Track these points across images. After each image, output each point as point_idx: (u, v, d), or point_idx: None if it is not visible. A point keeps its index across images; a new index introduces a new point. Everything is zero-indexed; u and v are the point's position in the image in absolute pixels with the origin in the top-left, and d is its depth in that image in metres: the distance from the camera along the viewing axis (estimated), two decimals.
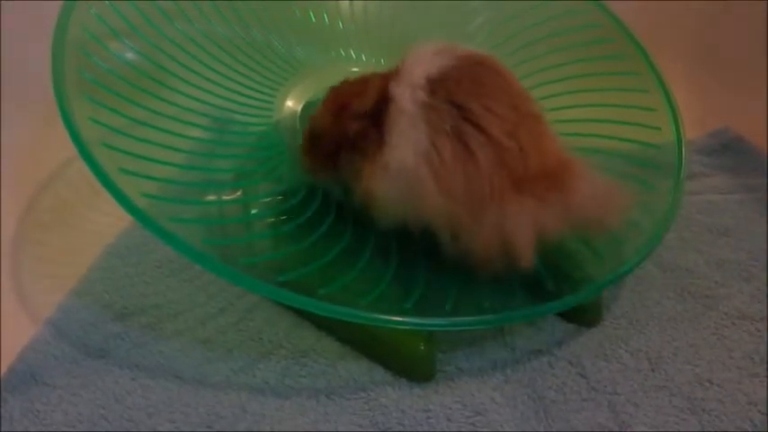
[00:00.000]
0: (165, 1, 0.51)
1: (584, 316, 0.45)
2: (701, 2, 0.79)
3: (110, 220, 0.53)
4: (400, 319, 0.38)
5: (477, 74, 0.41)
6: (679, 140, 0.50)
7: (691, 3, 0.79)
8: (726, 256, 0.51)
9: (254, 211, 0.45)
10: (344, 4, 0.62)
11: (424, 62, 0.42)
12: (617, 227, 0.42)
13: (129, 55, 0.48)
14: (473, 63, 0.42)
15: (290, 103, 0.55)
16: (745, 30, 0.76)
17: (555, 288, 0.41)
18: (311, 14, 0.62)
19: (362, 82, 0.44)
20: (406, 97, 0.40)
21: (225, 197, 0.47)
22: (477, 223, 0.39)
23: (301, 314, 0.45)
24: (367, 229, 0.44)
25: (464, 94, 0.40)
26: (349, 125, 0.42)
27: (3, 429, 0.39)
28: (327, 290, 0.38)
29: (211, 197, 0.47)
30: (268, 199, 0.46)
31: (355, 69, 0.58)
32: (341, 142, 0.43)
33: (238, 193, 0.47)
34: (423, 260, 0.43)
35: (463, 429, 0.39)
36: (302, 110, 0.54)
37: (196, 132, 0.48)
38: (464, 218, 0.39)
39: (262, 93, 0.54)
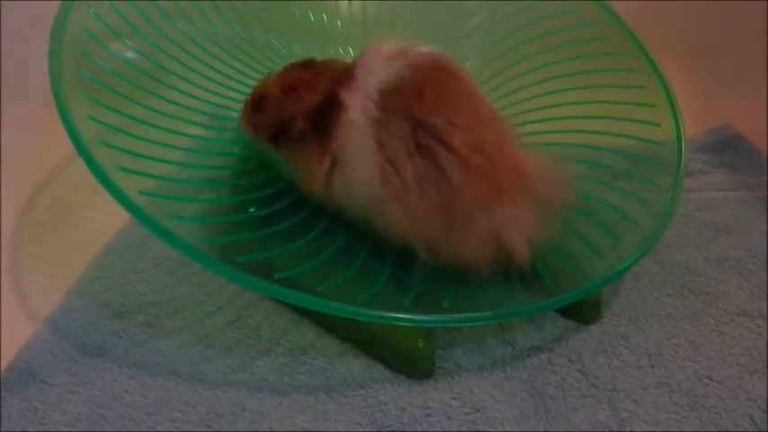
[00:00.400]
0: (164, 0, 0.51)
1: (583, 313, 0.45)
2: (700, 2, 0.79)
3: (108, 219, 0.53)
4: (399, 315, 0.38)
5: (438, 82, 0.40)
6: (678, 137, 0.50)
7: (691, 3, 0.79)
8: (725, 254, 0.51)
9: (251, 209, 0.45)
10: (343, 4, 0.63)
11: (377, 70, 0.41)
12: (571, 199, 0.43)
13: (128, 54, 0.48)
14: (431, 69, 0.41)
15: None
16: (745, 29, 0.76)
17: (554, 285, 0.41)
18: (310, 14, 0.62)
19: (316, 76, 0.43)
20: (358, 110, 0.40)
21: (223, 195, 0.47)
22: (460, 237, 0.39)
23: (300, 312, 0.45)
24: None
25: (426, 108, 0.39)
26: (294, 125, 0.42)
27: (2, 428, 0.39)
28: (325, 287, 0.38)
29: (209, 195, 0.47)
30: (266, 197, 0.46)
31: None
32: (282, 128, 0.43)
33: (236, 191, 0.47)
34: (420, 257, 0.43)
35: (463, 427, 0.38)
36: None
37: (194, 130, 0.48)
38: (438, 236, 0.40)
39: None
